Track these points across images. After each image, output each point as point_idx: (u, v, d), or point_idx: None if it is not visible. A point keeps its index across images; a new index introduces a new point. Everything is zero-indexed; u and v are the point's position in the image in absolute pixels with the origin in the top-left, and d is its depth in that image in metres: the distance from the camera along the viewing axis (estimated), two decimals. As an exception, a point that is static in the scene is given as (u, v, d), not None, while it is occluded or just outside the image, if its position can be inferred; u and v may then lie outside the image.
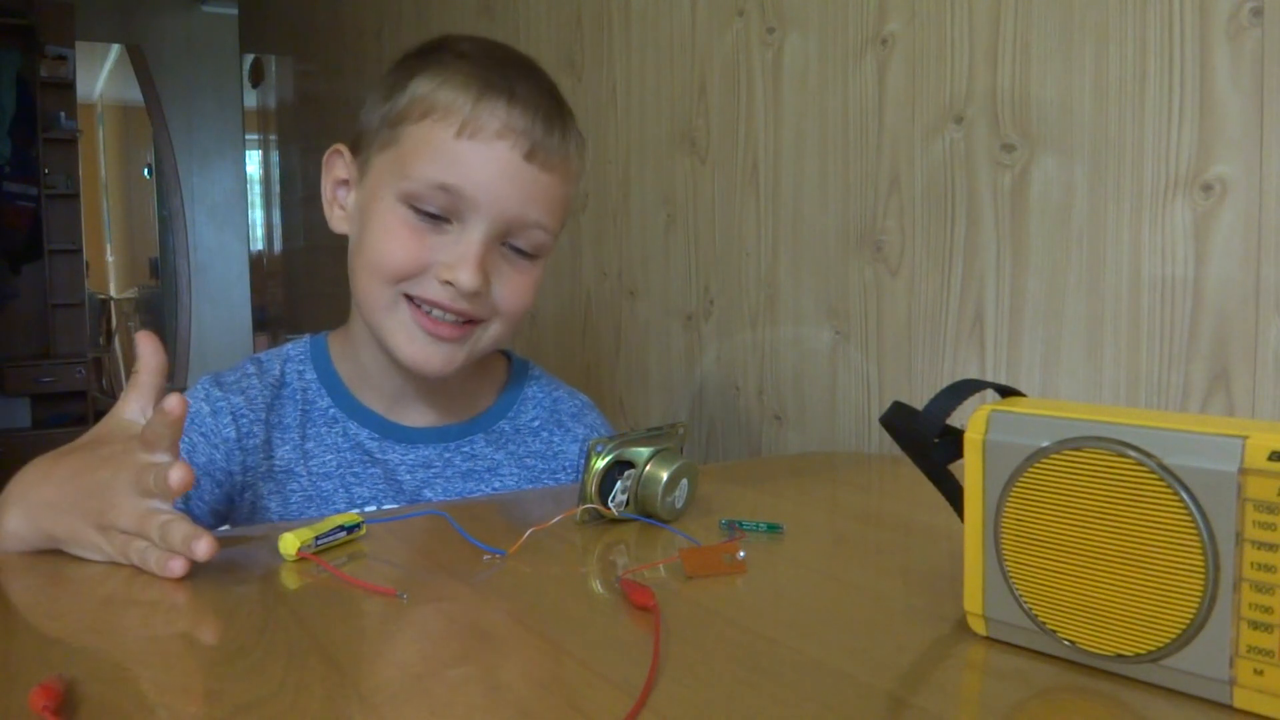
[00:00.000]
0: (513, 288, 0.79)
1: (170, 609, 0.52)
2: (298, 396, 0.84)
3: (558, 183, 0.79)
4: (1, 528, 0.61)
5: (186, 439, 0.78)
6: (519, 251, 0.79)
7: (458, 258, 0.75)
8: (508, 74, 0.78)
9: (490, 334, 0.80)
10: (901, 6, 0.97)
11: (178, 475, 0.54)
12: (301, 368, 0.86)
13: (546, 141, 0.77)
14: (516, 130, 0.76)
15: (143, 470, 0.56)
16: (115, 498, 0.56)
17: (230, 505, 0.81)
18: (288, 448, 0.82)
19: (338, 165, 0.84)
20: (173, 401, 0.55)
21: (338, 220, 0.84)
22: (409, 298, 0.77)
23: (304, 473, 0.81)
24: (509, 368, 0.93)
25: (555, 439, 0.90)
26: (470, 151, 0.75)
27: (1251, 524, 0.36)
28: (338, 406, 0.85)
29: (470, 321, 0.78)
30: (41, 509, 0.60)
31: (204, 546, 0.53)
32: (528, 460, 0.88)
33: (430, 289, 0.76)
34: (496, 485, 0.86)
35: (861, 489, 0.85)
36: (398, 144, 0.77)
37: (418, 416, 0.86)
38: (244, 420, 0.81)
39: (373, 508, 0.81)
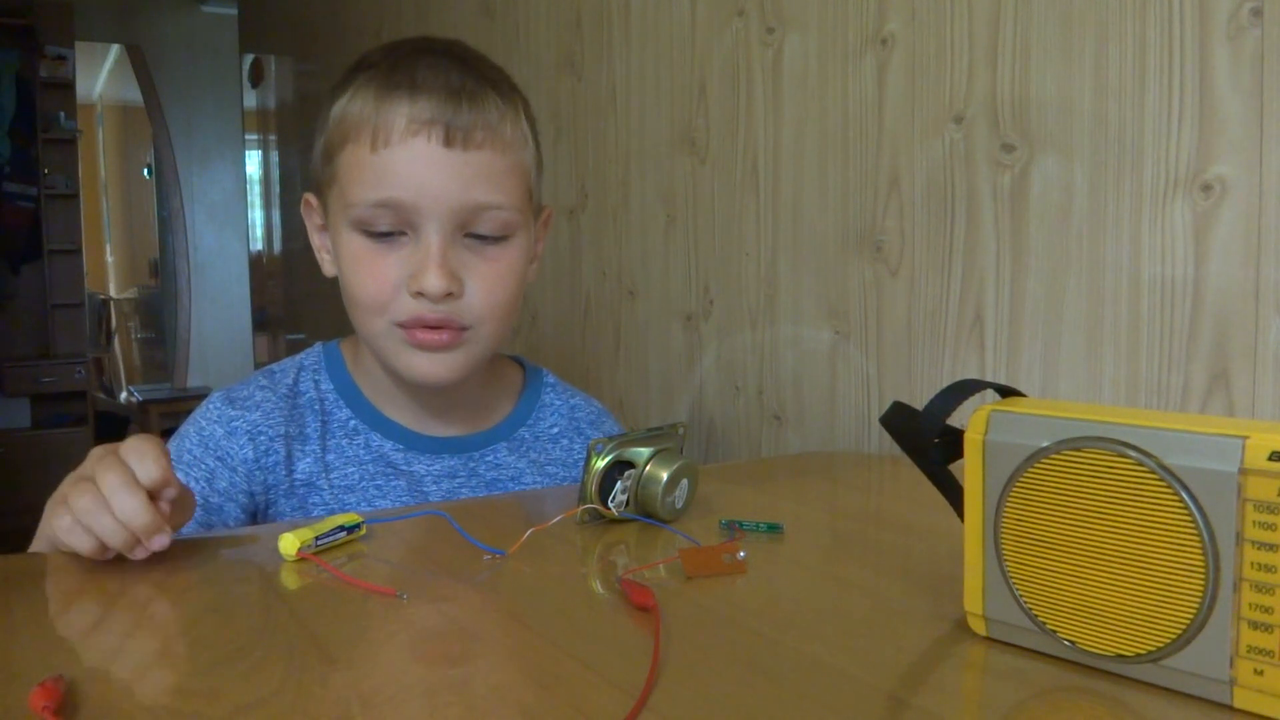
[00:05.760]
0: (487, 280, 0.77)
1: (170, 609, 0.52)
2: (316, 407, 0.83)
3: (494, 156, 0.75)
4: (40, 537, 0.62)
5: (204, 465, 0.77)
6: (486, 239, 0.77)
7: (419, 266, 0.74)
8: (409, 65, 0.76)
9: (484, 335, 0.79)
10: (901, 6, 0.97)
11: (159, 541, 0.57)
12: (317, 377, 0.85)
13: (463, 120, 0.74)
14: (424, 120, 0.73)
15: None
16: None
17: (253, 524, 0.80)
18: (308, 460, 0.81)
19: (312, 213, 0.84)
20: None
21: (327, 266, 0.83)
22: (399, 325, 0.77)
23: (326, 486, 0.80)
24: (523, 375, 0.92)
25: (576, 447, 0.89)
26: (390, 160, 0.74)
27: (1251, 524, 0.36)
28: (358, 418, 0.83)
29: (460, 329, 0.77)
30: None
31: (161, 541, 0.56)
32: (549, 468, 0.87)
33: (408, 307, 0.75)
34: None
35: (861, 489, 0.85)
36: (336, 176, 0.78)
37: (440, 427, 0.85)
38: (262, 438, 0.79)
39: None
